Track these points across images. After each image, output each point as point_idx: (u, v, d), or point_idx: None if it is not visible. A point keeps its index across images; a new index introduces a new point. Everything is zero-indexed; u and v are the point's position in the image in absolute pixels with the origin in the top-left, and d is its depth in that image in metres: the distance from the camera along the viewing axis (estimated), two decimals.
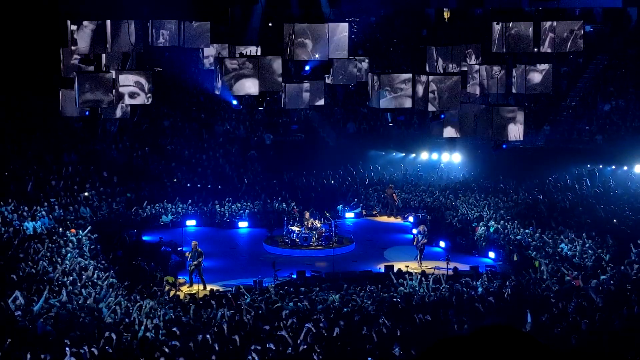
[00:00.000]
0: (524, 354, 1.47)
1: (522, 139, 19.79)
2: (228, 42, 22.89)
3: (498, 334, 1.50)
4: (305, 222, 28.91)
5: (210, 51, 22.45)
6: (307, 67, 20.21)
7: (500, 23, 20.26)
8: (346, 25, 20.05)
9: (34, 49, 34.94)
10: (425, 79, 18.79)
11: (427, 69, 21.48)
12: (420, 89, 18.92)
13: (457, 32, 45.73)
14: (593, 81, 40.52)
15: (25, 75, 36.65)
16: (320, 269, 25.25)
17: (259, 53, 21.33)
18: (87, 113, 18.33)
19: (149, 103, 19.02)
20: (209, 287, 23.27)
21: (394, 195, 33.80)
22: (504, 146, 20.07)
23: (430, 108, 18.89)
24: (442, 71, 20.87)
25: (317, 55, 19.10)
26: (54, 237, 24.66)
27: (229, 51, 21.97)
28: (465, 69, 21.22)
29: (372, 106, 20.80)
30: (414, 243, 26.92)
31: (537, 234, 26.62)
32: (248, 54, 20.07)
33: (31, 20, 34.96)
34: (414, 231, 30.65)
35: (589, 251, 24.00)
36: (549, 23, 20.56)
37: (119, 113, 20.76)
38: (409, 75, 19.36)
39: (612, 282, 20.56)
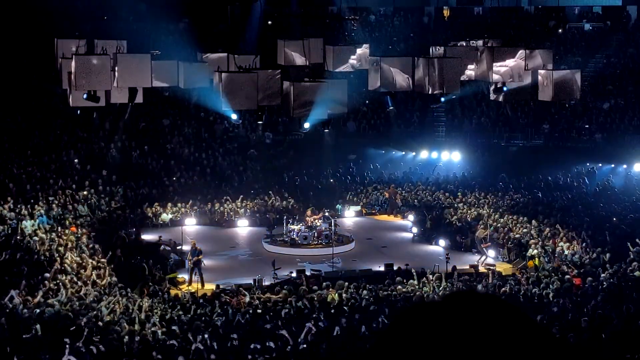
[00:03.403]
0: (497, 317, 1.49)
1: (524, 82, 19.75)
2: (227, 51, 22.85)
3: (469, 299, 1.53)
4: (306, 221, 28.89)
5: (208, 60, 22.42)
6: (306, 125, 20.38)
7: (498, 84, 20.25)
8: (345, 81, 20.17)
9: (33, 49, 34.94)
10: (426, 61, 18.77)
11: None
12: (421, 72, 18.88)
13: (457, 30, 45.71)
14: (592, 79, 40.49)
15: (25, 74, 36.65)
16: (321, 268, 25.23)
17: (257, 63, 21.36)
18: (85, 97, 18.32)
19: (151, 86, 19.24)
20: (207, 287, 23.26)
21: (397, 195, 33.83)
22: (505, 89, 20.09)
23: (431, 90, 18.87)
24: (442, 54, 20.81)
25: (318, 112, 19.21)
26: (52, 236, 24.62)
27: (227, 61, 21.94)
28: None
29: (371, 89, 20.80)
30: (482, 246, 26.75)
31: (537, 232, 26.60)
32: (247, 67, 20.08)
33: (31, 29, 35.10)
34: (414, 230, 30.68)
35: (588, 249, 23.98)
36: (546, 72, 20.53)
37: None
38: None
39: (611, 280, 20.55)
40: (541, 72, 20.10)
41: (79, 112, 18.51)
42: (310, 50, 22.49)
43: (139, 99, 19.50)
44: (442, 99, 20.11)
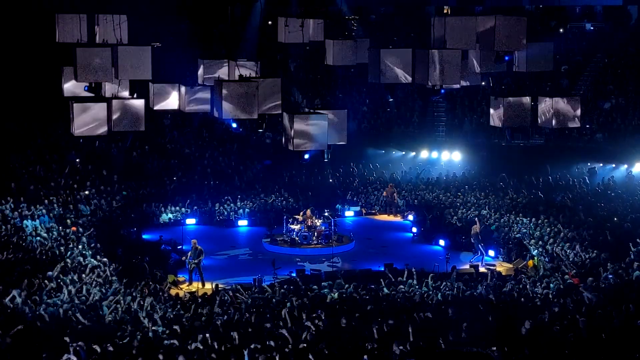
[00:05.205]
0: None
1: (525, 48, 19.64)
2: (228, 56, 22.78)
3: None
4: (306, 220, 28.93)
5: (207, 68, 22.41)
6: (306, 156, 20.38)
7: (499, 99, 20.19)
8: (345, 111, 20.19)
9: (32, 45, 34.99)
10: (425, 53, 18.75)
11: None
12: (420, 64, 18.83)
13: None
14: (593, 79, 40.50)
15: (25, 73, 36.71)
16: (322, 267, 25.27)
17: (258, 70, 21.36)
18: (85, 88, 18.28)
19: (151, 78, 19.28)
20: (208, 285, 23.32)
21: (394, 194, 33.86)
22: (507, 58, 20.10)
23: (431, 82, 18.83)
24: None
25: (317, 144, 19.19)
26: (54, 235, 24.66)
27: (228, 66, 21.89)
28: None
29: (371, 81, 20.77)
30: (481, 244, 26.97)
31: (537, 232, 26.62)
32: (248, 75, 20.06)
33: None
34: (414, 230, 30.70)
35: (589, 249, 23.98)
36: (547, 99, 20.49)
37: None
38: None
39: (611, 280, 20.55)
40: (542, 101, 20.08)
41: (81, 140, 18.40)
42: (310, 30, 22.58)
43: (140, 126, 19.44)
44: (442, 91, 20.06)
